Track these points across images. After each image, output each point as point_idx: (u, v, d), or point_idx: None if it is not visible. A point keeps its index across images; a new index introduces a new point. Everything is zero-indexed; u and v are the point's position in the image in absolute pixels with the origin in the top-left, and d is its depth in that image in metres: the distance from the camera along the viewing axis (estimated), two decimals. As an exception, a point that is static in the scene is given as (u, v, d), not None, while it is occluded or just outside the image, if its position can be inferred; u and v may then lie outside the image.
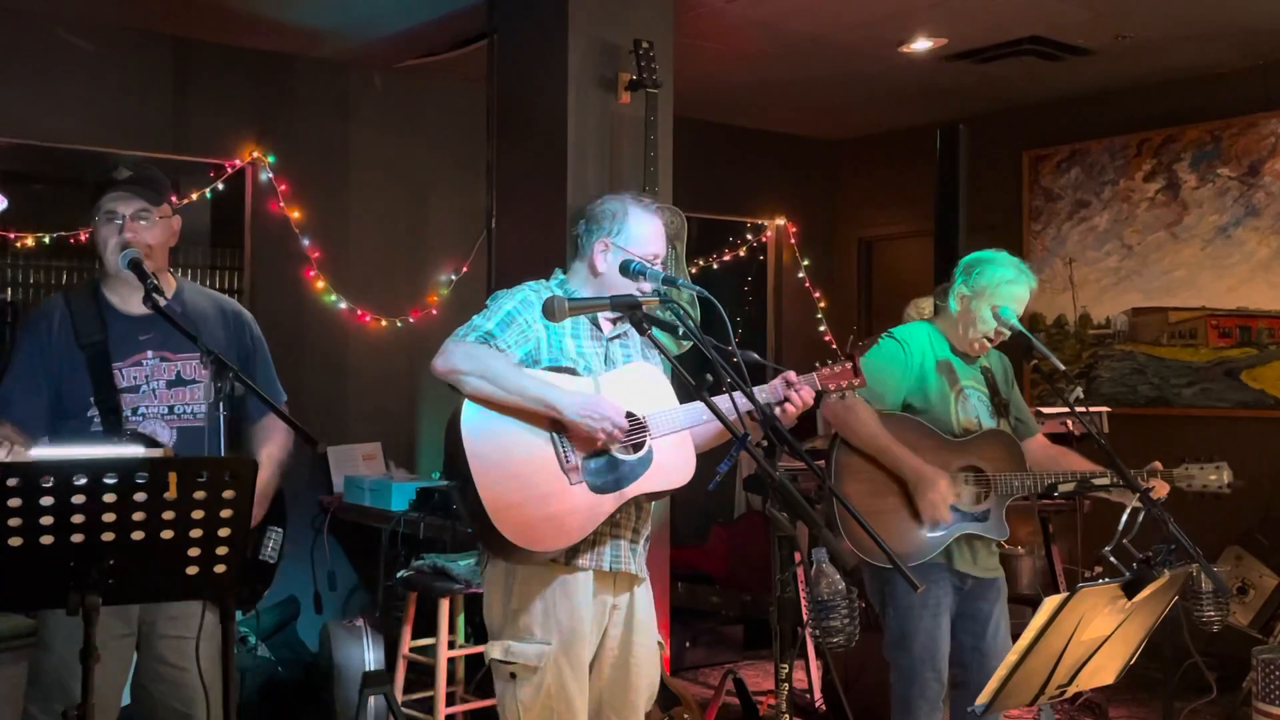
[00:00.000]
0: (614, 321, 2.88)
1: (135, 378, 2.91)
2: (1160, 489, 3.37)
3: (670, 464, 2.79)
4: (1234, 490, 3.45)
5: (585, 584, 2.76)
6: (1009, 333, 3.53)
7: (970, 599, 3.55)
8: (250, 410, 3.08)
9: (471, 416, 2.66)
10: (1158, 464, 3.42)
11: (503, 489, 2.62)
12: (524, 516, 2.62)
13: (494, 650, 2.76)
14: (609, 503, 2.71)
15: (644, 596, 2.90)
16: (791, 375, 2.79)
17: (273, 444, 3.08)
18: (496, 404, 2.65)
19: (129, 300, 2.93)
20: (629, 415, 2.73)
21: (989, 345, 3.59)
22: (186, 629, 2.85)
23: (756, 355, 2.56)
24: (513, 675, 2.72)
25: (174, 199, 3.06)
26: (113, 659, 2.63)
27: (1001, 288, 3.49)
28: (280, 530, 3.09)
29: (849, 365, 2.87)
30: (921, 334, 3.60)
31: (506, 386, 2.64)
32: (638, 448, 2.75)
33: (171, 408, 2.93)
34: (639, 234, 2.85)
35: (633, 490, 2.73)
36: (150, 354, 2.94)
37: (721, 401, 2.47)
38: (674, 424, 2.77)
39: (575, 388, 2.71)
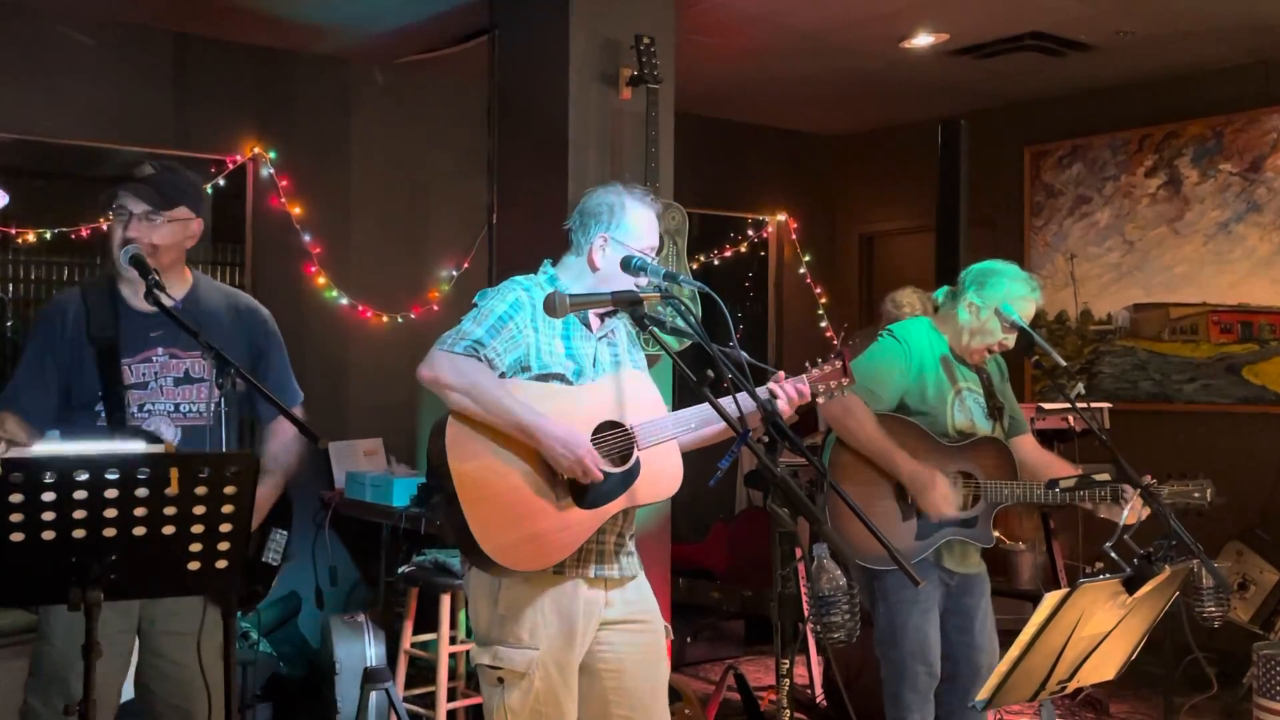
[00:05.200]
0: (602, 320, 2.85)
1: (144, 374, 2.92)
2: (1134, 511, 3.38)
3: (658, 474, 2.76)
4: (1214, 507, 3.46)
5: (573, 590, 2.72)
6: (1012, 345, 3.54)
7: (957, 595, 3.57)
8: (260, 411, 3.07)
9: (457, 430, 2.62)
10: (1147, 476, 3.42)
11: (489, 507, 2.59)
12: (509, 536, 2.59)
13: (481, 656, 2.73)
14: (596, 517, 2.68)
15: (636, 588, 2.86)
16: (780, 377, 2.77)
17: (275, 445, 3.06)
18: (479, 421, 2.62)
19: (142, 296, 2.93)
20: (617, 425, 2.72)
21: (990, 355, 3.60)
22: (186, 625, 2.84)
23: (746, 355, 2.54)
24: (500, 680, 2.70)
25: (189, 202, 3.00)
26: (112, 655, 2.63)
27: (1015, 303, 3.50)
28: (284, 533, 3.06)
29: (839, 365, 2.83)
30: (922, 333, 3.60)
31: (490, 408, 2.60)
32: (625, 459, 2.72)
33: (177, 405, 2.93)
34: (635, 227, 2.81)
35: (621, 504, 2.71)
36: (160, 350, 2.94)
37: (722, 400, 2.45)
38: (662, 433, 2.74)
39: (564, 403, 2.67)
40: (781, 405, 2.73)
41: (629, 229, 2.80)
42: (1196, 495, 3.43)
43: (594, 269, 2.81)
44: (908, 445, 3.45)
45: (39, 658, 2.86)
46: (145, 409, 2.90)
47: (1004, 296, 3.49)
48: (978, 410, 3.58)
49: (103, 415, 2.88)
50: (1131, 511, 3.30)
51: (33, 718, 2.82)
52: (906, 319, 3.74)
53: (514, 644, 2.69)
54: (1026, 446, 3.70)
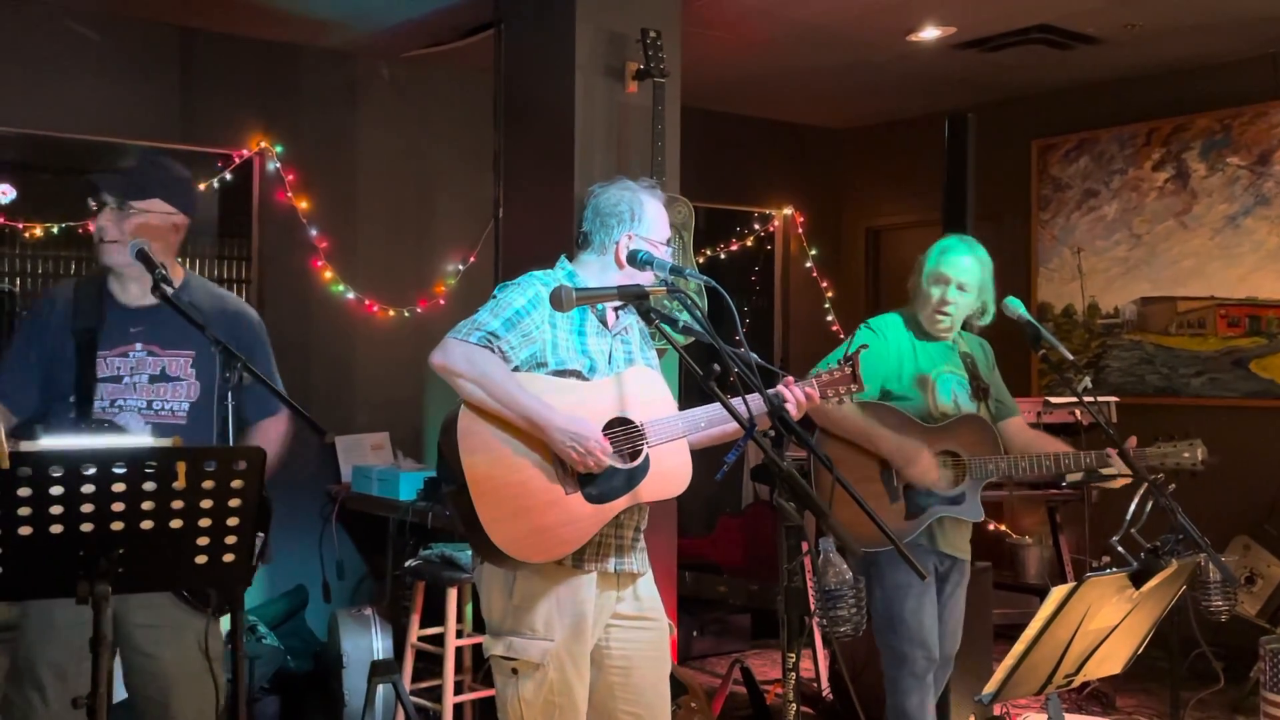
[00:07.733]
0: (617, 315, 2.86)
1: (119, 368, 2.89)
2: (1121, 480, 3.42)
3: (667, 472, 2.77)
4: (1207, 468, 3.46)
5: (589, 583, 2.74)
6: (953, 305, 3.56)
7: (937, 580, 3.64)
8: (247, 412, 2.98)
9: (469, 422, 2.62)
10: (1133, 439, 3.44)
11: (498, 499, 2.59)
12: (518, 528, 2.60)
13: (495, 646, 2.74)
14: (605, 512, 2.69)
15: (646, 584, 2.89)
16: (789, 381, 2.79)
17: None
18: (489, 412, 2.63)
19: (126, 290, 2.94)
20: (627, 422, 2.72)
21: (943, 321, 3.60)
22: (156, 617, 2.83)
23: (756, 357, 2.55)
24: (514, 671, 2.70)
25: (167, 196, 2.93)
26: (82, 641, 2.57)
27: (945, 256, 3.58)
28: (260, 535, 2.97)
29: (848, 370, 2.87)
30: (897, 322, 3.69)
31: (500, 398, 2.60)
32: (635, 455, 2.73)
33: (149, 402, 2.90)
34: (655, 221, 2.86)
35: (629, 500, 2.72)
36: (139, 346, 2.91)
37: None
38: (672, 432, 2.76)
39: (576, 398, 2.68)
40: (791, 409, 2.74)
41: (650, 224, 2.85)
42: (1186, 455, 3.44)
43: (621, 267, 2.83)
44: (891, 428, 3.53)
45: (15, 645, 2.87)
46: (117, 404, 2.87)
47: (932, 255, 3.60)
48: (961, 391, 3.65)
49: (74, 408, 2.85)
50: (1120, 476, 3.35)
51: (6, 705, 2.84)
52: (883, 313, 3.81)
53: (529, 635, 2.70)
54: (1015, 428, 3.75)
